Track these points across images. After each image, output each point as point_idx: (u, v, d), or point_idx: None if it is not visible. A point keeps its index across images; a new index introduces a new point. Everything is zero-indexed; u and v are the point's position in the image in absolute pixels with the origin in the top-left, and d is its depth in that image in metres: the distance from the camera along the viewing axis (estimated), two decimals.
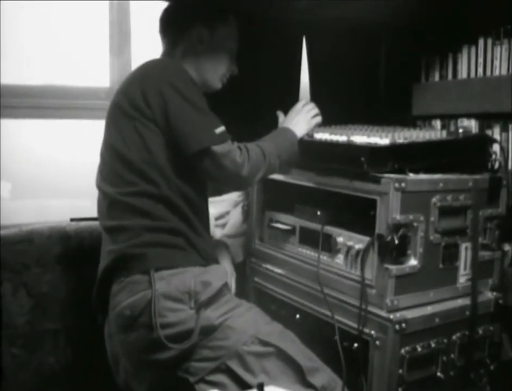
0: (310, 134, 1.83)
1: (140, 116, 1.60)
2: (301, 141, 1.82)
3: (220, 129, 1.61)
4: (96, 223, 1.79)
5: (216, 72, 1.80)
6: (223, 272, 1.70)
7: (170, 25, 1.80)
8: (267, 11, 2.19)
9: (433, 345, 1.63)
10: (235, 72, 1.86)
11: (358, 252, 1.67)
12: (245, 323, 1.60)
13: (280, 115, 1.91)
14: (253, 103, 2.32)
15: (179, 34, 1.77)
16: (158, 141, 1.60)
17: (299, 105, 1.88)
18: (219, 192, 1.99)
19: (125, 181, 1.62)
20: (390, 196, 1.55)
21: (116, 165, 1.64)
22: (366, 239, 1.65)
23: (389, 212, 1.56)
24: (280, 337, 1.61)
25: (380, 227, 1.58)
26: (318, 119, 1.88)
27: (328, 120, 1.91)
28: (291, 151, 1.77)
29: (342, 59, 2.42)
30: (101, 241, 1.72)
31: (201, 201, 1.72)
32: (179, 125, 1.58)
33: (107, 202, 1.66)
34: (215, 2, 1.78)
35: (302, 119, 1.84)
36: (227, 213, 2.22)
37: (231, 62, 1.84)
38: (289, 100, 1.98)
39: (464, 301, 1.69)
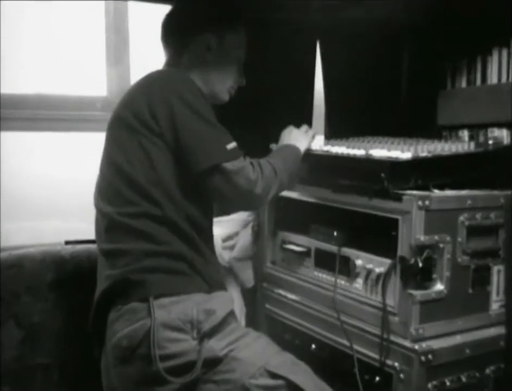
0: (312, 149, 1.87)
1: (146, 130, 1.61)
2: (316, 155, 1.85)
3: (232, 145, 1.63)
4: (94, 246, 1.79)
5: (224, 83, 1.81)
6: (229, 299, 1.71)
7: (175, 31, 1.80)
8: (277, 12, 2.20)
9: (464, 379, 1.63)
10: (243, 83, 1.87)
11: (379, 276, 1.68)
12: (253, 354, 1.59)
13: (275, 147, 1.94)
14: (262, 116, 2.34)
15: (185, 42, 1.78)
16: (165, 158, 1.61)
17: (288, 128, 1.92)
18: (226, 211, 2.00)
19: (126, 200, 1.63)
20: (413, 215, 1.56)
21: (118, 183, 1.64)
22: (387, 261, 1.65)
23: (413, 232, 1.56)
24: (292, 369, 1.59)
25: (403, 249, 1.59)
26: (313, 131, 1.92)
27: (345, 133, 1.95)
28: (297, 166, 1.81)
29: (359, 65, 2.42)
30: (98, 266, 1.72)
31: (207, 222, 1.73)
32: (187, 140, 1.60)
33: (106, 223, 1.66)
34: (223, 6, 1.80)
35: (298, 134, 1.88)
36: (236, 233, 2.23)
37: (239, 73, 1.85)
38: (302, 112, 1.99)
39: (497, 330, 1.68)
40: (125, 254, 1.62)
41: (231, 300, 1.72)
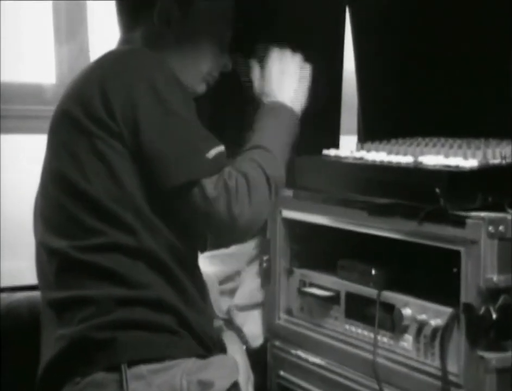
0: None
1: (100, 131, 1.60)
2: (347, 165, 1.87)
3: (215, 151, 1.62)
4: (35, 295, 1.79)
5: (196, 68, 1.82)
6: (231, 365, 1.71)
7: (124, 3, 1.82)
8: None
9: None
10: (227, 68, 1.88)
11: (435, 331, 1.67)
12: None
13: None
14: None
15: (135, 12, 1.80)
16: (130, 168, 1.61)
17: (273, 60, 1.86)
18: (224, 242, 1.98)
19: (85, 228, 1.61)
20: (482, 245, 1.55)
21: (71, 206, 1.63)
22: (447, 311, 1.64)
23: (482, 269, 1.55)
24: None
25: (468, 294, 1.58)
26: (306, 71, 1.89)
27: (385, 132, 1.96)
28: (293, 137, 1.77)
29: (403, 36, 2.42)
30: (44, 324, 1.71)
31: (195, 256, 1.75)
32: (153, 144, 1.59)
33: (56, 263, 1.65)
34: None
35: (289, 80, 1.84)
36: (237, 273, 2.25)
37: (221, 52, 1.85)
38: (326, 102, 1.97)
39: None
40: (86, 304, 1.60)
41: (234, 366, 1.72)
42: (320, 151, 2.04)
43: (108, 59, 1.71)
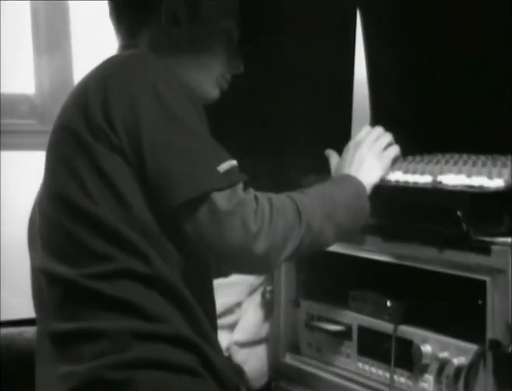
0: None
1: (101, 145, 1.59)
2: None
3: (227, 165, 1.60)
4: (31, 330, 1.83)
5: (208, 71, 1.84)
6: None
7: (125, 4, 1.83)
8: None
9: None
10: (239, 70, 1.89)
11: (458, 370, 1.65)
12: None
13: (332, 155, 1.94)
14: (277, 121, 2.35)
15: (140, 15, 1.81)
16: (134, 185, 1.60)
17: (359, 136, 1.89)
18: (224, 272, 2.02)
19: (91, 253, 1.60)
20: (510, 274, 1.54)
21: (73, 229, 1.62)
22: (472, 348, 1.63)
23: (510, 302, 1.54)
24: None
25: (495, 329, 1.57)
26: (394, 150, 1.90)
27: (401, 148, 1.93)
28: (357, 210, 1.76)
29: (420, 41, 2.41)
30: (40, 358, 1.71)
31: (210, 284, 1.76)
32: (157, 158, 1.58)
33: (59, 291, 1.65)
34: None
35: (369, 157, 1.85)
36: (237, 305, 2.25)
37: (233, 54, 1.87)
38: (336, 112, 1.97)
39: None
40: (96, 337, 1.60)
41: None
42: (328, 168, 2.01)
43: (110, 64, 1.70)
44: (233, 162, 1.61)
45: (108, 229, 1.59)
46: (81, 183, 1.61)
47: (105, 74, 1.67)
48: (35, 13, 2.61)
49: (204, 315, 1.66)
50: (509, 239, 1.56)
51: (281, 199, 1.66)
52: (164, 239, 1.61)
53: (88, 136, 1.60)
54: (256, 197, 1.61)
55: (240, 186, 1.60)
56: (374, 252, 1.83)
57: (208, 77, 1.83)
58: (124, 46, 1.83)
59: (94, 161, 1.60)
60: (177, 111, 1.60)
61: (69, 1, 2.61)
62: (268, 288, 2.17)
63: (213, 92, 1.85)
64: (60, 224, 1.66)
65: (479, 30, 2.32)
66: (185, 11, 1.79)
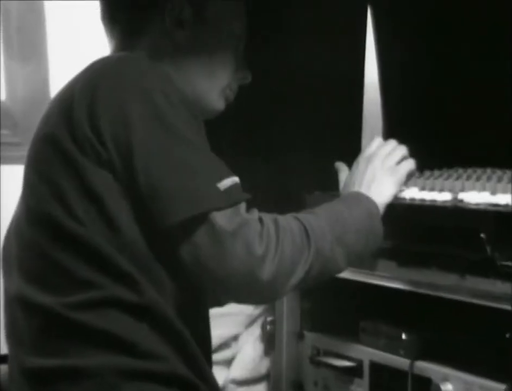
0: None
1: (85, 158, 1.58)
2: None
3: (229, 181, 1.59)
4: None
5: (214, 80, 1.86)
6: None
7: (123, 3, 1.84)
8: None
9: None
10: (247, 79, 1.92)
11: None
12: None
13: (342, 169, 1.95)
14: (281, 131, 2.39)
15: (139, 17, 1.82)
16: (124, 204, 1.59)
17: (370, 149, 1.90)
18: (219, 300, 1.99)
19: (75, 280, 1.58)
20: None
21: (54, 252, 1.60)
22: (499, 388, 1.61)
23: None
24: None
25: None
26: (409, 164, 1.89)
27: (417, 162, 1.92)
28: (369, 232, 1.76)
29: (437, 37, 2.42)
30: None
31: (207, 315, 1.76)
32: (149, 172, 1.56)
33: (37, 323, 1.63)
34: None
35: (381, 172, 1.85)
36: (234, 338, 2.26)
37: (240, 61, 1.89)
38: (345, 123, 1.96)
39: None
40: (79, 376, 1.58)
41: None
42: (337, 184, 2.02)
43: (98, 67, 1.69)
44: (235, 179, 1.60)
45: (94, 252, 1.58)
46: (65, 201, 1.60)
47: (93, 77, 1.66)
48: (7, 14, 2.65)
49: (200, 351, 1.65)
50: None
51: (288, 220, 1.65)
52: (157, 264, 1.60)
53: (74, 149, 1.59)
54: (260, 218, 1.61)
55: (243, 205, 1.59)
56: (388, 278, 1.83)
57: (214, 87, 1.85)
58: (119, 50, 1.84)
59: (80, 177, 1.59)
60: (173, 121, 1.59)
61: (45, 1, 2.66)
62: (269, 319, 2.14)
63: (218, 104, 1.87)
64: (39, 246, 1.64)
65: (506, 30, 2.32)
66: (190, 12, 1.80)
